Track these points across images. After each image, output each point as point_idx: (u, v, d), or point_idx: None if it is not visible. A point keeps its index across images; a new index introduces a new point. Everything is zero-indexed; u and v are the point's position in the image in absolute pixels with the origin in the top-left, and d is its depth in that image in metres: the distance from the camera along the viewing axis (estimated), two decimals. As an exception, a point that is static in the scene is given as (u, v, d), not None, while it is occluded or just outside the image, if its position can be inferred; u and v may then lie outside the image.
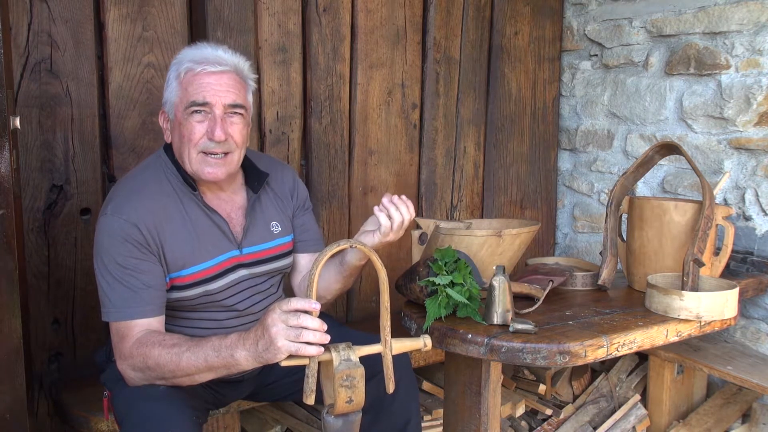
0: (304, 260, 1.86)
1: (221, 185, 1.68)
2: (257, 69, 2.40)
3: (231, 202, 1.71)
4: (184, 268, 1.59)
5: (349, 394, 1.35)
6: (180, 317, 1.67)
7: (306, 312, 1.33)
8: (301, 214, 1.86)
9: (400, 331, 1.75)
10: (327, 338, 1.34)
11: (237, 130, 1.60)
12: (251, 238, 1.71)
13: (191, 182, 1.62)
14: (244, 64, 1.65)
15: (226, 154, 1.59)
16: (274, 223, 1.77)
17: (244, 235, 1.69)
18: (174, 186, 1.62)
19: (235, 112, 1.60)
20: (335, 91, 2.58)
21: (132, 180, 1.64)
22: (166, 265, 1.58)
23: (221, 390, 1.76)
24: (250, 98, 1.69)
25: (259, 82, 2.41)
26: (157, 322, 1.55)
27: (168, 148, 1.67)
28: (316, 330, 1.32)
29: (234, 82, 1.60)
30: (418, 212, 2.89)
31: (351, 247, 1.40)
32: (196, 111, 1.56)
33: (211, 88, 1.56)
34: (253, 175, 1.74)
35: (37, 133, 2.06)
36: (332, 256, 1.41)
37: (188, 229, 1.61)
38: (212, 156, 1.58)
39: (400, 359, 1.71)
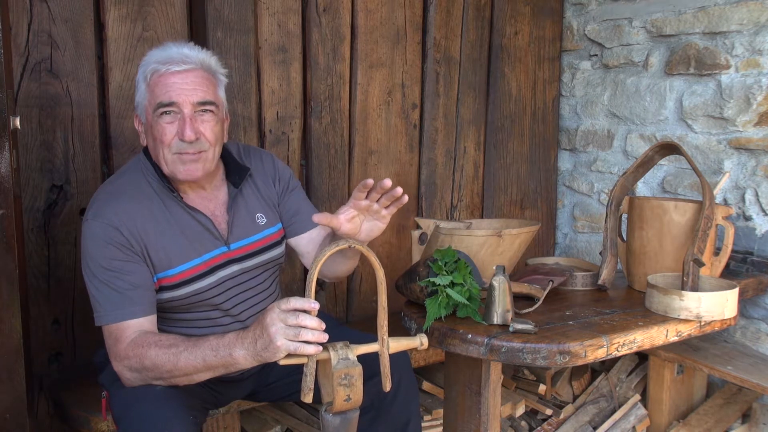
0: (304, 240, 1.83)
1: (201, 184, 1.67)
2: (257, 69, 2.41)
3: (214, 200, 1.70)
4: (170, 267, 1.59)
5: (347, 392, 1.35)
6: (174, 318, 1.67)
7: (305, 311, 1.34)
8: (287, 196, 1.83)
9: (400, 331, 1.75)
10: (325, 337, 1.34)
11: (209, 127, 1.59)
12: (237, 232, 1.70)
13: (170, 185, 1.62)
14: (210, 60, 1.64)
15: (200, 152, 1.58)
16: (258, 214, 1.75)
17: (229, 231, 1.69)
18: (155, 188, 1.62)
19: (206, 110, 1.58)
20: (335, 91, 2.58)
21: (111, 184, 1.64)
22: (152, 265, 1.58)
23: (220, 389, 1.76)
24: (222, 93, 1.67)
25: (259, 82, 2.42)
26: (148, 321, 1.55)
27: (147, 151, 1.66)
28: (314, 329, 1.33)
29: (201, 79, 1.58)
30: (418, 212, 2.89)
31: (349, 247, 1.40)
32: (165, 112, 1.55)
33: (177, 88, 1.55)
34: (233, 169, 1.73)
35: (37, 133, 2.06)
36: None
37: (173, 229, 1.61)
38: (186, 155, 1.57)
39: (401, 359, 1.71)
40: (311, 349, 1.32)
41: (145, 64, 1.61)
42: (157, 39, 2.19)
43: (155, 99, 1.56)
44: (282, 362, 1.35)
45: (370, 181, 1.43)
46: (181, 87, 1.55)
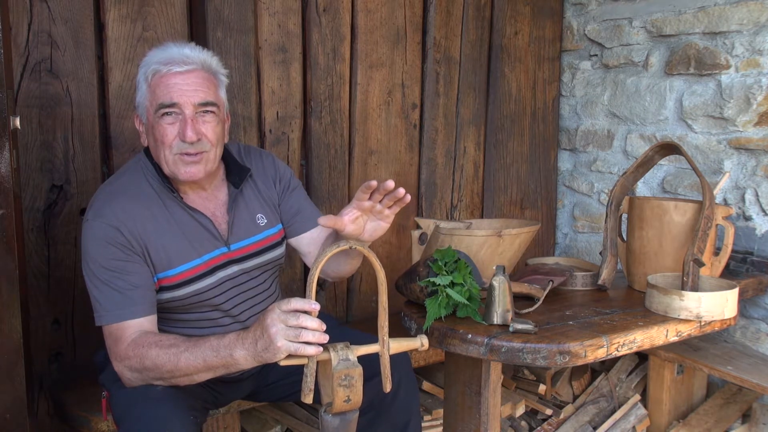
0: (305, 240, 1.83)
1: (202, 184, 1.67)
2: (257, 69, 2.41)
3: (214, 200, 1.70)
4: (170, 267, 1.59)
5: (347, 393, 1.35)
6: (174, 319, 1.67)
7: (305, 312, 1.34)
8: (288, 196, 1.83)
9: (400, 331, 1.75)
10: (326, 338, 1.34)
11: (210, 128, 1.59)
12: (237, 233, 1.70)
13: (170, 185, 1.62)
14: (211, 60, 1.64)
15: (201, 153, 1.58)
16: (259, 215, 1.76)
17: (229, 231, 1.69)
18: (155, 188, 1.62)
19: (207, 111, 1.59)
20: (335, 91, 2.58)
21: (111, 184, 1.64)
22: (153, 265, 1.58)
23: (220, 389, 1.76)
24: (223, 94, 1.67)
25: (259, 82, 2.42)
26: (148, 321, 1.55)
27: (148, 152, 1.66)
28: (315, 330, 1.33)
29: (202, 80, 1.58)
30: (418, 212, 2.89)
31: (350, 248, 1.40)
32: (166, 113, 1.56)
33: (179, 89, 1.55)
34: (234, 169, 1.73)
35: (37, 133, 2.06)
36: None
37: (173, 229, 1.61)
38: (187, 156, 1.57)
39: (401, 360, 1.71)
40: (312, 350, 1.32)
41: (145, 64, 1.61)
42: (157, 39, 2.19)
43: (156, 100, 1.56)
44: (282, 363, 1.35)
45: (374, 183, 1.43)
46: (183, 88, 1.55)
